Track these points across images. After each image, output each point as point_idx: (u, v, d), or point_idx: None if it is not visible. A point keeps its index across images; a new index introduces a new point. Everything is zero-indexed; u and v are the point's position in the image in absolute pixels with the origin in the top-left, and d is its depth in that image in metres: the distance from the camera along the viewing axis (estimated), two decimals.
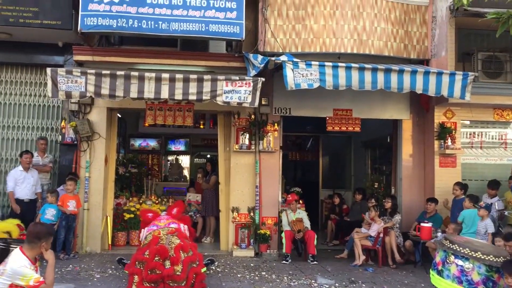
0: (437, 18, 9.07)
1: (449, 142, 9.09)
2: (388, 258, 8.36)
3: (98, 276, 7.05)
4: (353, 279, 7.29)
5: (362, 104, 9.46)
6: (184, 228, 7.33)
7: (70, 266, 7.59)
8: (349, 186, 13.03)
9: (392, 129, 10.15)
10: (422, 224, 8.05)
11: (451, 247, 5.15)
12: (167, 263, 5.89)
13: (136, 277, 5.96)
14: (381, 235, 8.37)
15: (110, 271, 7.33)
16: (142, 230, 7.58)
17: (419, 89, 7.74)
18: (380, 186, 10.66)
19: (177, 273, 5.85)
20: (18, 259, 4.34)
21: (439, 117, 9.28)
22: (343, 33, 8.71)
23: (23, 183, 8.32)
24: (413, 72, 7.65)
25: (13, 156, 9.31)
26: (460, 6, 7.59)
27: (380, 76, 7.61)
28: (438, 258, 5.32)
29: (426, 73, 7.70)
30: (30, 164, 8.44)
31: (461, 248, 5.08)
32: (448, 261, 5.15)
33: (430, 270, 5.46)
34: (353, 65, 7.60)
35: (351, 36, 8.71)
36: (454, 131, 9.21)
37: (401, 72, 7.63)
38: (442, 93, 7.80)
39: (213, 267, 7.70)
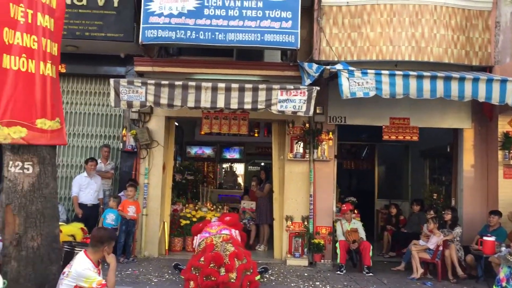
0: (501, 23, 8.70)
1: None
2: (448, 273, 8.04)
3: (155, 280, 7.26)
4: None
5: (420, 113, 9.22)
6: (235, 233, 7.40)
7: (130, 269, 7.86)
8: (406, 196, 12.67)
9: (453, 138, 9.81)
10: (484, 238, 7.70)
11: None
12: (222, 270, 5.99)
13: (191, 282, 6.11)
14: (441, 248, 8.08)
15: (167, 276, 7.53)
16: (195, 237, 7.72)
17: (481, 97, 7.45)
18: (440, 197, 10.29)
19: (232, 280, 5.93)
20: (82, 262, 4.56)
21: (503, 126, 8.85)
22: (401, 40, 8.53)
23: (86, 189, 8.71)
24: (475, 80, 7.38)
25: (78, 163, 9.79)
26: None
27: (440, 84, 7.40)
28: (502, 274, 5.10)
29: (489, 81, 7.40)
30: (94, 170, 8.84)
31: None
32: None
33: (494, 286, 5.23)
34: (411, 73, 7.43)
35: (409, 43, 8.52)
36: None
37: (462, 79, 7.38)
38: (506, 101, 7.46)
39: (267, 275, 7.73)
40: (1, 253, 5.40)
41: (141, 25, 8.16)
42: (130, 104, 7.69)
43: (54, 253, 5.52)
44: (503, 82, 7.41)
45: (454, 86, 7.39)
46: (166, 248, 9.39)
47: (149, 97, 7.59)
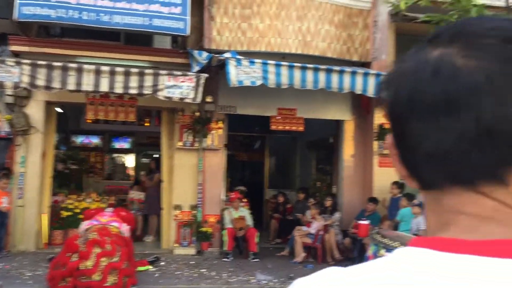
0: (378, 22, 9.33)
1: None
2: (328, 255, 8.50)
3: (29, 274, 6.81)
4: (292, 275, 7.36)
5: (306, 104, 9.58)
6: (125, 229, 7.07)
7: (1, 264, 7.26)
8: (295, 186, 13.14)
9: (335, 130, 10.35)
10: (359, 222, 8.25)
11: (382, 240, 5.33)
12: (74, 256, 5.74)
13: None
14: (321, 232, 8.51)
15: (42, 270, 7.05)
16: (83, 222, 7.27)
17: (358, 89, 7.97)
18: (323, 186, 10.83)
19: (88, 267, 5.68)
20: None
21: (379, 118, 9.44)
22: (288, 33, 8.81)
23: None
24: (353, 73, 7.87)
25: None
26: (398, 11, 7.84)
27: (322, 76, 7.78)
28: (370, 251, 5.49)
29: (366, 75, 7.94)
30: None
31: (391, 242, 5.26)
32: (378, 254, 5.30)
33: None
34: (295, 64, 7.72)
35: (296, 36, 8.82)
36: None
37: (341, 72, 7.83)
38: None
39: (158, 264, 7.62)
40: None
41: (17, 1, 7.53)
42: (1, 85, 7.09)
43: None
44: (378, 76, 7.98)
45: (335, 78, 7.82)
46: (46, 241, 8.81)
47: (24, 78, 7.06)
